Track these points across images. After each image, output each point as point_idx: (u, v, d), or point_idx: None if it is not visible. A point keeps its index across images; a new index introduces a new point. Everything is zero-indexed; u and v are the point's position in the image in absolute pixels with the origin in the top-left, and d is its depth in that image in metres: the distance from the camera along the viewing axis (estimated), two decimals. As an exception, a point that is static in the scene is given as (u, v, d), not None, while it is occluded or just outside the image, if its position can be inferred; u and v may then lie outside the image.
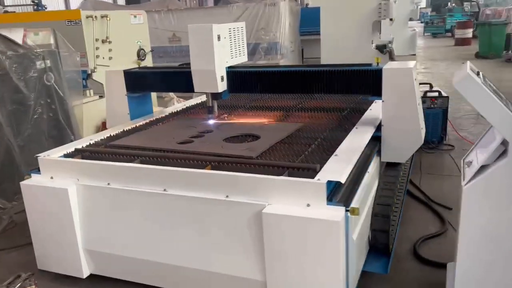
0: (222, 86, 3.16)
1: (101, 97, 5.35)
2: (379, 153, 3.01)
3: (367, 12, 7.65)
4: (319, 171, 2.27)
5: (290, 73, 3.10)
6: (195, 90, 3.19)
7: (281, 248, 2.16)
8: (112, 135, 3.28)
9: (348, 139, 2.79)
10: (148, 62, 6.13)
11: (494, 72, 10.32)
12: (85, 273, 2.80)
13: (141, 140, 3.02)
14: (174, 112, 3.97)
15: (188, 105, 4.21)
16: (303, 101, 4.02)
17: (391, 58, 7.52)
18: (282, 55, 8.68)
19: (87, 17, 5.16)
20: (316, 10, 8.17)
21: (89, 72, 5.24)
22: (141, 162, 2.64)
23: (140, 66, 3.86)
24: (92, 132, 5.33)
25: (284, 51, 8.75)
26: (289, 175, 2.28)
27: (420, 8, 24.09)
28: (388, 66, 2.90)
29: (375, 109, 3.51)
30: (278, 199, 2.18)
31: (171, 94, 6.46)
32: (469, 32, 17.19)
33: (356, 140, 2.77)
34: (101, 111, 5.43)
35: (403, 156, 3.00)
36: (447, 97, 5.22)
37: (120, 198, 2.55)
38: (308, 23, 9.50)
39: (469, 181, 2.12)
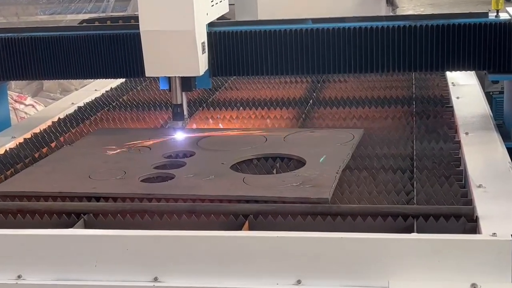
0: (203, 64, 3.11)
1: None
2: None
3: None
4: (476, 218, 2.29)
5: (338, 32, 3.19)
6: (148, 74, 3.13)
7: None
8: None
9: (470, 155, 2.84)
10: None
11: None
12: None
13: (57, 180, 2.83)
14: (67, 117, 3.76)
15: (81, 105, 4.07)
16: (318, 88, 4.11)
17: (390, 2, 7.75)
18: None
19: None
20: None
21: None
22: (88, 226, 2.48)
23: None
24: None
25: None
26: (418, 230, 2.27)
27: None
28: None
29: (467, 96, 3.64)
30: (409, 277, 2.15)
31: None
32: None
33: (486, 157, 2.87)
34: None
35: None
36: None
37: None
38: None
39: None
